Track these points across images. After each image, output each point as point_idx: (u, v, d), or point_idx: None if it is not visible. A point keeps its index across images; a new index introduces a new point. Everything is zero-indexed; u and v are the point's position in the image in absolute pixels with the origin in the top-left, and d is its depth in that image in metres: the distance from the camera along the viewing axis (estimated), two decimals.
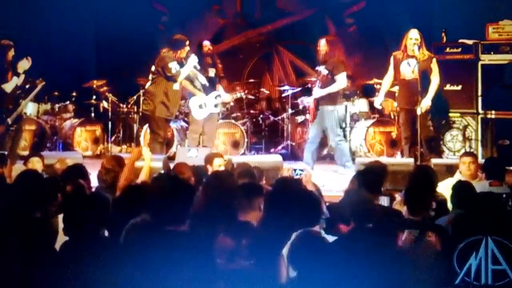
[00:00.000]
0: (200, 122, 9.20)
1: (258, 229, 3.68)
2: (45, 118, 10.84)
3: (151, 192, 4.09)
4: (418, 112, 7.61)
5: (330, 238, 3.91)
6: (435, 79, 8.03)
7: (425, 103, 7.88)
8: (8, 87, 8.50)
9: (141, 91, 10.59)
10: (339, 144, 8.56)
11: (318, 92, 8.55)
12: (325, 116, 8.47)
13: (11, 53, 8.63)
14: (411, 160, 7.53)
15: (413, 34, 7.99)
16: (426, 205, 4.26)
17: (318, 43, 8.52)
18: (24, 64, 8.46)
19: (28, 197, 4.13)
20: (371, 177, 4.88)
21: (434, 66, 8.03)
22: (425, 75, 8.00)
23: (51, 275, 3.54)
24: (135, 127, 10.58)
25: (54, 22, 11.20)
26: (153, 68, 8.63)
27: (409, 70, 7.95)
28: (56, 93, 10.90)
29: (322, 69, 8.49)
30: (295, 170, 5.58)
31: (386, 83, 8.42)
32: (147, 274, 3.37)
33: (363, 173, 5.05)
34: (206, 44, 9.68)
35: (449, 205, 5.11)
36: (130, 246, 3.56)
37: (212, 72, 9.46)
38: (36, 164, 6.28)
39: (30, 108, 10.87)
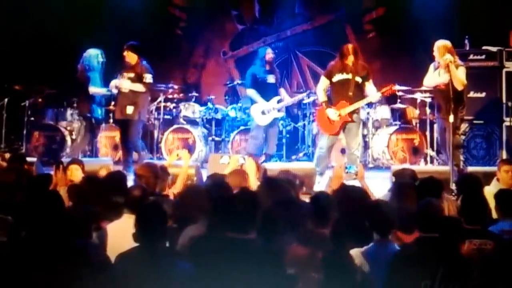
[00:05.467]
0: (262, 128, 9.39)
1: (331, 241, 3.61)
2: (64, 124, 10.78)
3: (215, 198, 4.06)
4: (451, 120, 7.52)
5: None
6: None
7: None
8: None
9: (162, 97, 10.60)
10: None
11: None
12: None
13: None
14: (447, 168, 7.46)
15: (440, 44, 7.91)
16: (485, 213, 4.22)
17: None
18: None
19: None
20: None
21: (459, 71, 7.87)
22: None
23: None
24: (156, 133, 10.52)
25: (73, 28, 11.08)
26: None
27: (440, 79, 7.88)
28: (75, 99, 10.80)
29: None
30: (347, 167, 5.54)
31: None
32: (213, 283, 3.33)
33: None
34: (269, 51, 9.70)
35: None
36: (196, 256, 3.50)
37: (272, 78, 9.52)
38: (74, 171, 6.04)
39: (48, 114, 10.85)
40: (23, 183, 5.25)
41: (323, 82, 8.32)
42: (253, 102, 9.48)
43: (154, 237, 3.52)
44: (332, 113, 8.12)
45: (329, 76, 8.25)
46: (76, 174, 5.99)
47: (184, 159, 6.29)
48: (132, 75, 8.85)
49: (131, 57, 8.88)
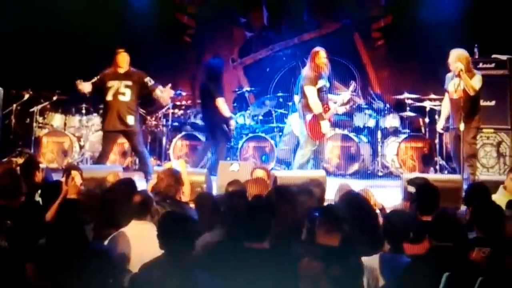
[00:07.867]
0: (296, 137, 9.35)
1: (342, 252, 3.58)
2: (72, 131, 10.79)
3: (229, 207, 4.03)
4: (462, 128, 7.49)
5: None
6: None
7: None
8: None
9: (170, 104, 10.59)
10: None
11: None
12: None
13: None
14: (458, 176, 7.41)
15: (456, 54, 7.88)
16: (498, 222, 4.19)
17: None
18: None
19: None
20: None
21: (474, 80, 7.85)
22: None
23: None
24: (164, 140, 10.50)
25: (81, 35, 11.09)
26: None
27: (454, 89, 7.86)
28: (83, 105, 10.82)
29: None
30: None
31: (444, 106, 8.34)
32: None
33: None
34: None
35: None
36: (212, 264, 3.48)
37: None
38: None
39: (57, 120, 10.86)
40: (20, 187, 5.19)
41: (314, 92, 8.18)
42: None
43: (179, 246, 3.46)
44: (326, 124, 8.15)
45: (316, 84, 8.21)
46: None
47: (181, 167, 6.18)
48: (129, 83, 8.20)
49: (124, 60, 8.25)
